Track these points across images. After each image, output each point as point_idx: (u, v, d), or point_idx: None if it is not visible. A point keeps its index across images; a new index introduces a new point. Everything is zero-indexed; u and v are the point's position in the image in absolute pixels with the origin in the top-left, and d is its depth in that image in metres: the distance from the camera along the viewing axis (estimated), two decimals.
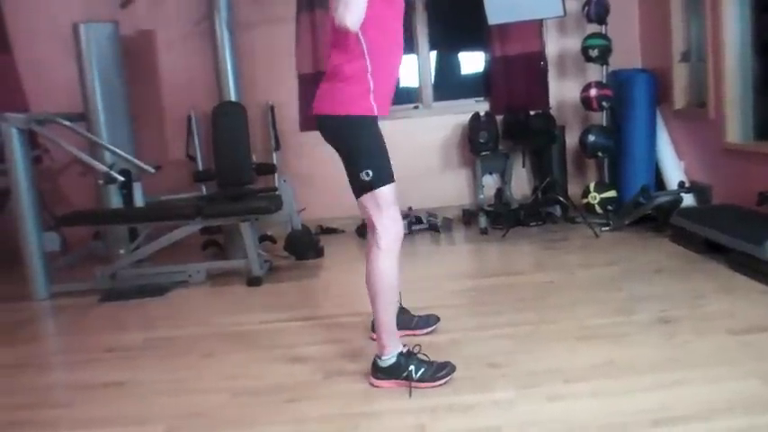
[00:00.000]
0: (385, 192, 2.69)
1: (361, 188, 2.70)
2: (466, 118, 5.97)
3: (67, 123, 4.94)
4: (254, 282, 4.60)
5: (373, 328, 3.22)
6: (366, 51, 2.63)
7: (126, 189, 5.17)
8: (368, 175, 2.66)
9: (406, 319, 3.27)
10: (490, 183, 6.07)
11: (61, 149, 4.96)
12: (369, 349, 3.03)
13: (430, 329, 3.33)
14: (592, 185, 5.52)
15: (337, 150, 2.74)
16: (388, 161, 2.73)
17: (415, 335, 3.19)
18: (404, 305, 3.33)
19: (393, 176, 2.73)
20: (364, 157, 2.68)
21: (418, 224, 5.83)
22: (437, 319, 3.38)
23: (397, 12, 2.76)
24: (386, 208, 2.70)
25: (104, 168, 4.73)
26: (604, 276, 4.14)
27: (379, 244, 2.71)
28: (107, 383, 3.13)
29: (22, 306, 4.61)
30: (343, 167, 2.73)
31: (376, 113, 2.69)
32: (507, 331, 3.29)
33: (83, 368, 3.39)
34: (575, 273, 4.29)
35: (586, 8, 5.52)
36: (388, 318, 2.79)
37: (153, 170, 5.01)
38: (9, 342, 3.91)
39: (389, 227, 2.72)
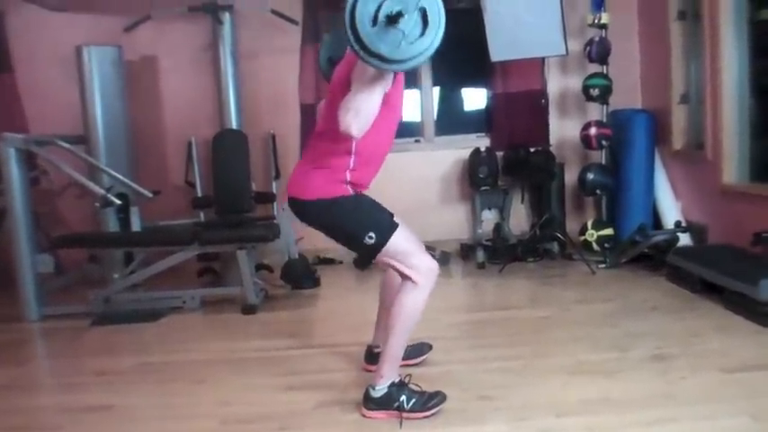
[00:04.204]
0: (396, 240, 2.67)
1: (370, 253, 2.69)
2: (466, 153, 6.00)
3: (66, 145, 4.94)
4: (248, 310, 4.58)
5: (367, 359, 3.22)
6: (354, 150, 2.64)
7: (123, 213, 5.17)
8: (371, 238, 2.64)
9: None
10: (489, 218, 6.08)
11: (59, 171, 4.96)
12: (362, 380, 3.01)
13: (422, 358, 3.32)
14: (589, 223, 5.55)
15: (324, 232, 2.74)
16: (383, 212, 2.73)
17: (408, 365, 3.17)
18: None
19: (394, 221, 2.72)
20: (357, 227, 2.67)
21: None
22: (429, 347, 3.37)
23: (396, 116, 2.76)
24: (406, 253, 2.68)
25: (101, 191, 4.72)
26: (600, 313, 4.13)
27: (416, 280, 2.67)
28: (96, 407, 3.10)
29: (13, 327, 4.58)
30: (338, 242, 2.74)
31: (350, 194, 2.69)
32: (501, 365, 3.28)
33: (72, 391, 3.36)
34: (570, 309, 4.28)
35: (588, 48, 5.58)
36: (399, 349, 2.77)
37: (150, 194, 5.02)
38: None
39: (419, 266, 2.68)
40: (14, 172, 4.69)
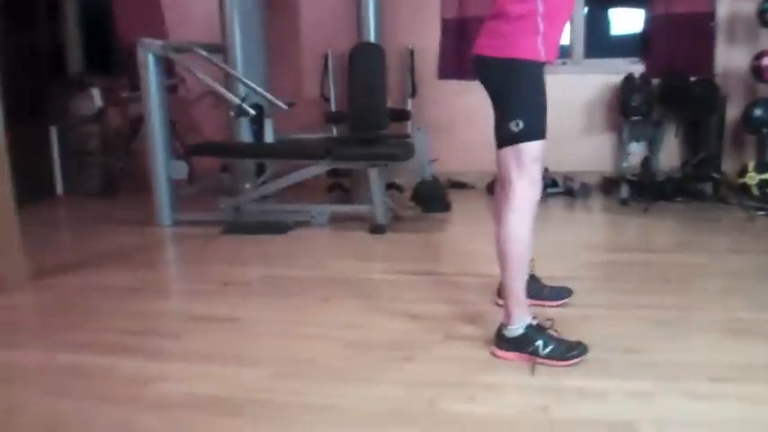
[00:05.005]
0: (531, 148, 2.43)
1: (506, 139, 2.45)
2: (617, 79, 5.57)
3: (204, 53, 4.91)
4: (377, 230, 4.47)
5: (500, 294, 2.99)
6: None
7: (257, 124, 5.11)
8: (518, 125, 2.41)
9: (536, 288, 3.01)
10: (636, 151, 5.63)
11: (196, 79, 4.96)
12: (492, 315, 2.81)
13: (561, 302, 3.06)
14: (751, 164, 5.04)
15: (490, 94, 2.49)
16: (545, 116, 2.47)
17: (543, 306, 2.94)
18: (534, 273, 3.08)
19: (545, 133, 2.47)
20: (519, 106, 2.43)
21: (553, 187, 5.49)
22: (570, 293, 3.11)
23: None
24: (528, 166, 2.45)
25: (237, 101, 4.69)
26: (760, 265, 3.70)
27: (512, 204, 2.47)
28: (219, 318, 3.07)
29: (147, 231, 4.71)
30: (493, 114, 2.49)
31: (543, 59, 2.43)
32: (646, 314, 2.97)
33: (197, 299, 3.37)
34: (724, 258, 3.88)
35: None
36: (517, 285, 2.55)
37: (285, 106, 4.93)
38: (128, 265, 3.96)
39: (526, 187, 2.46)
40: (152, 78, 4.72)
